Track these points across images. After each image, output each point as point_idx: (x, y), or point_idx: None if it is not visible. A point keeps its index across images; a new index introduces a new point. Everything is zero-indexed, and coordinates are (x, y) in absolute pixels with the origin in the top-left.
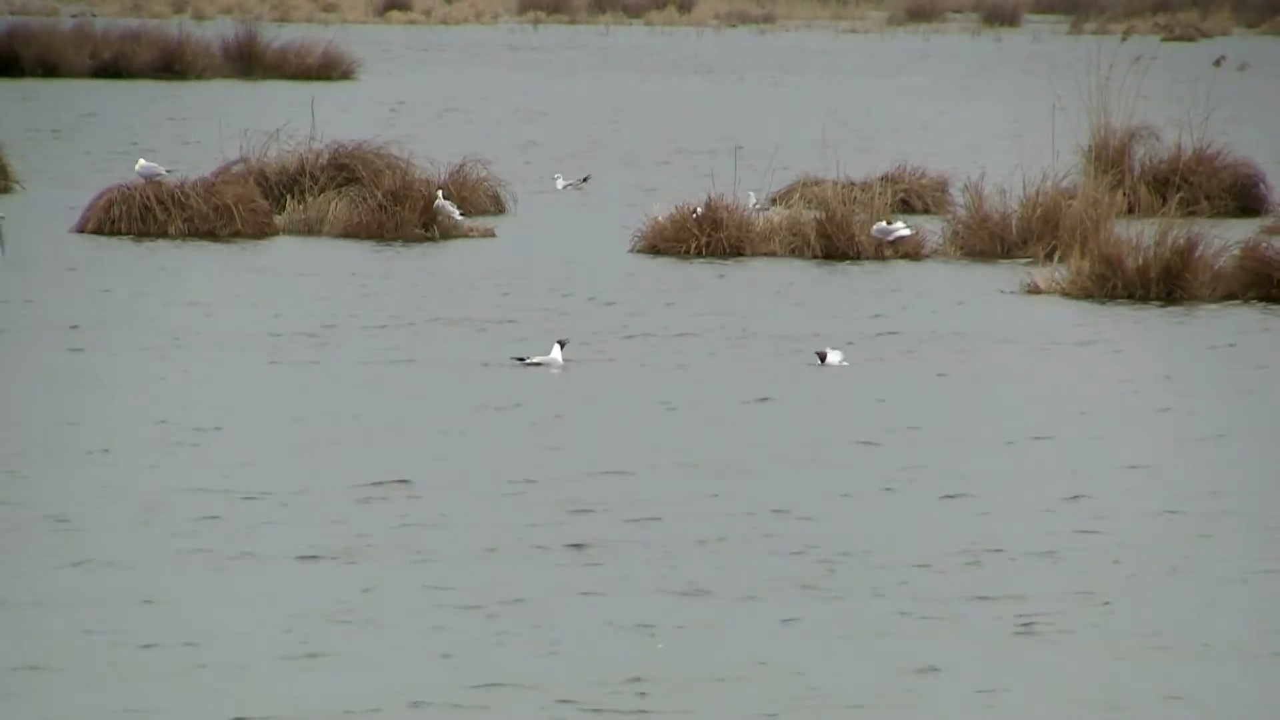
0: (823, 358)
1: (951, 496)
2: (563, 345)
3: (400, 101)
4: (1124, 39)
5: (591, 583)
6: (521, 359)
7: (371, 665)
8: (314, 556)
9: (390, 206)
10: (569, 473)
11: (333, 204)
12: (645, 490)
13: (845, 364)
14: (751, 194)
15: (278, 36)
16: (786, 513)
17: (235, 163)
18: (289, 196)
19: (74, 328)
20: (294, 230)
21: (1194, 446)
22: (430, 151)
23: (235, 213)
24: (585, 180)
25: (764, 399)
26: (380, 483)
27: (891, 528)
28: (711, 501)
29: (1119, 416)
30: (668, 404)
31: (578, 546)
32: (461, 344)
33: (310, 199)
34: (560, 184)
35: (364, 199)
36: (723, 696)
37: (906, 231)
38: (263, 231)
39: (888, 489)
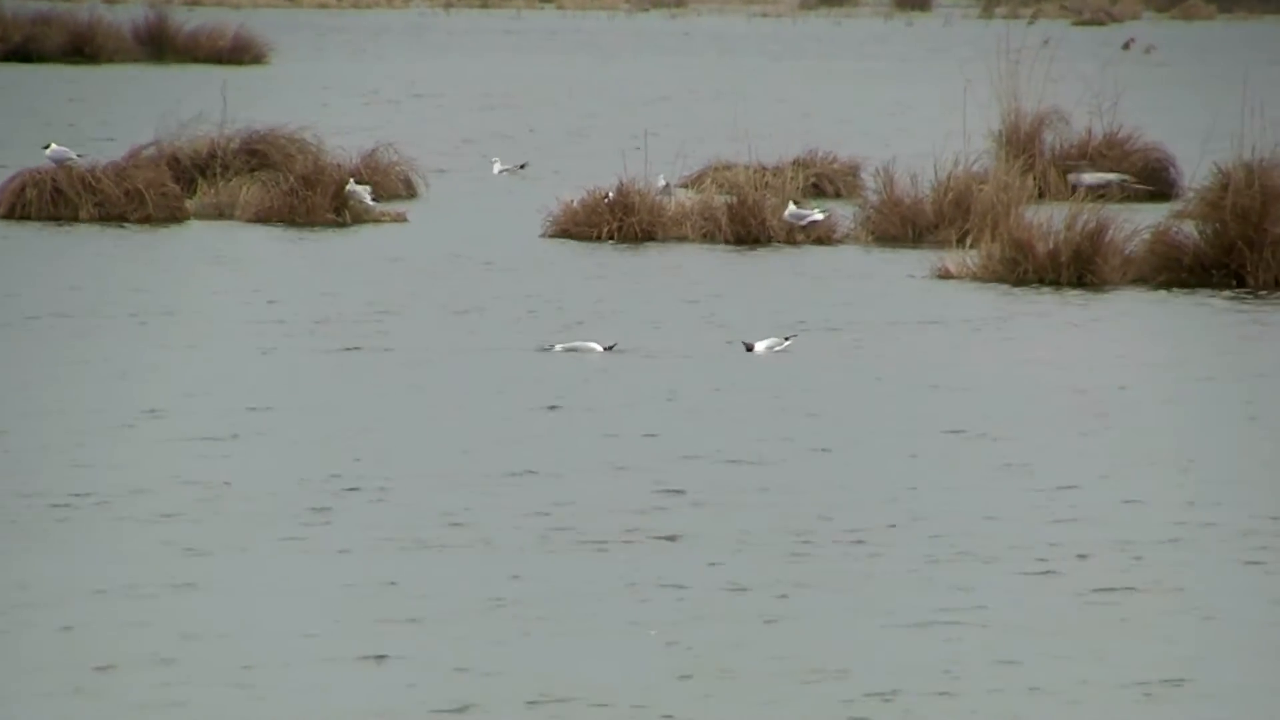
0: (749, 348)
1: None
2: (608, 349)
3: (374, 90)
4: (1030, 23)
5: (615, 578)
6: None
7: (409, 664)
8: (347, 550)
9: (302, 191)
10: (569, 469)
11: (244, 188)
12: (654, 483)
13: (779, 349)
14: (661, 176)
15: (189, 20)
16: (785, 506)
17: (147, 146)
18: (201, 181)
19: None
20: (205, 215)
21: (1139, 433)
22: (372, 137)
23: (146, 197)
24: (523, 166)
25: (717, 389)
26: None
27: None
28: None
29: (1048, 402)
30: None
31: (602, 543)
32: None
33: (222, 183)
34: (497, 169)
35: (276, 183)
36: (776, 690)
37: (818, 216)
38: (174, 216)
39: (846, 482)
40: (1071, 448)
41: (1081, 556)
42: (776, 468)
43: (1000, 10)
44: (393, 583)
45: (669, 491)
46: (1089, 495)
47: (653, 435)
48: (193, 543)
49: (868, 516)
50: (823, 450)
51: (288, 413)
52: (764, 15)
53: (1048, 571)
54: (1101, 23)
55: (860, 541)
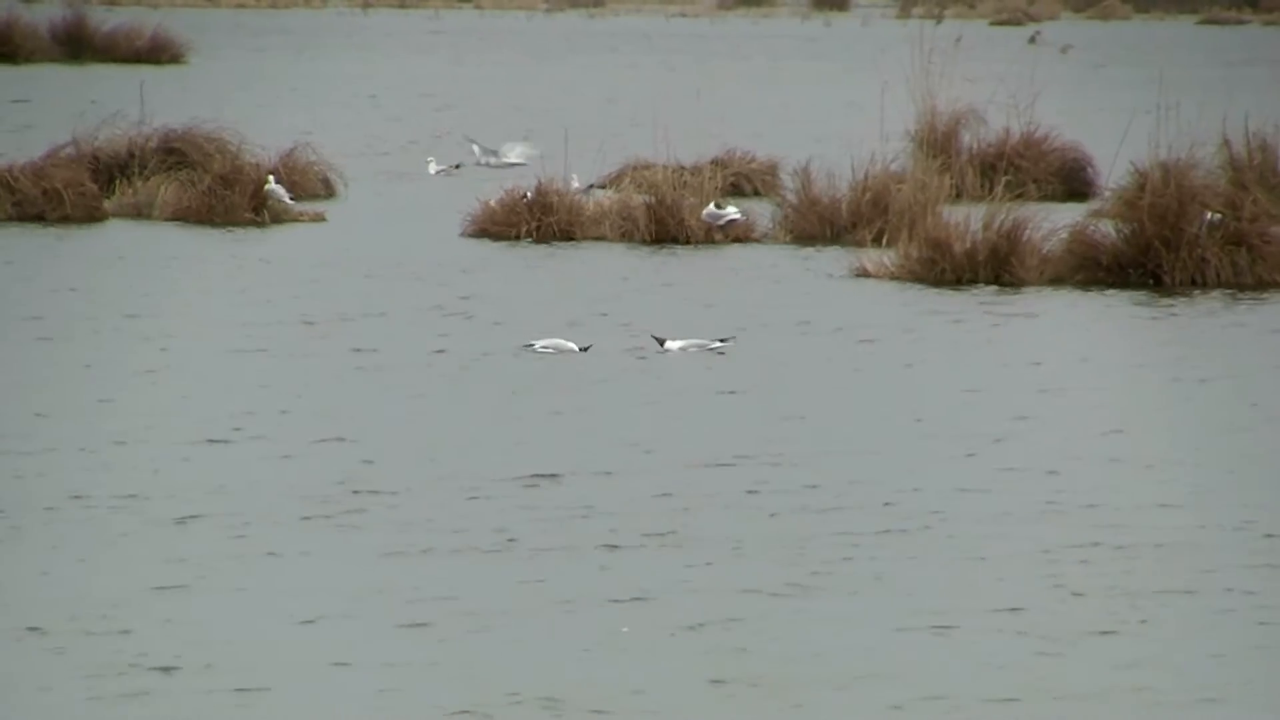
0: (661, 342)
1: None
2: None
3: (293, 89)
4: (938, 23)
5: (619, 581)
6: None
7: (412, 671)
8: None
9: (220, 190)
10: (552, 471)
11: (162, 188)
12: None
13: (710, 348)
14: (574, 176)
15: (107, 19)
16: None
17: (65, 146)
18: (119, 180)
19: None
20: (123, 214)
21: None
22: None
23: (64, 196)
24: (458, 167)
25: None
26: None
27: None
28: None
29: (978, 399)
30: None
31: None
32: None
33: (140, 183)
34: (433, 169)
35: (194, 183)
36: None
37: (737, 215)
38: (92, 215)
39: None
40: (1010, 446)
41: (1082, 559)
42: (735, 471)
43: (917, 10)
44: (398, 588)
45: (659, 495)
46: (1026, 498)
47: (618, 436)
48: (186, 548)
49: (833, 520)
50: (767, 451)
51: (257, 419)
52: (682, 15)
53: (1050, 572)
54: (1019, 23)
55: (851, 544)
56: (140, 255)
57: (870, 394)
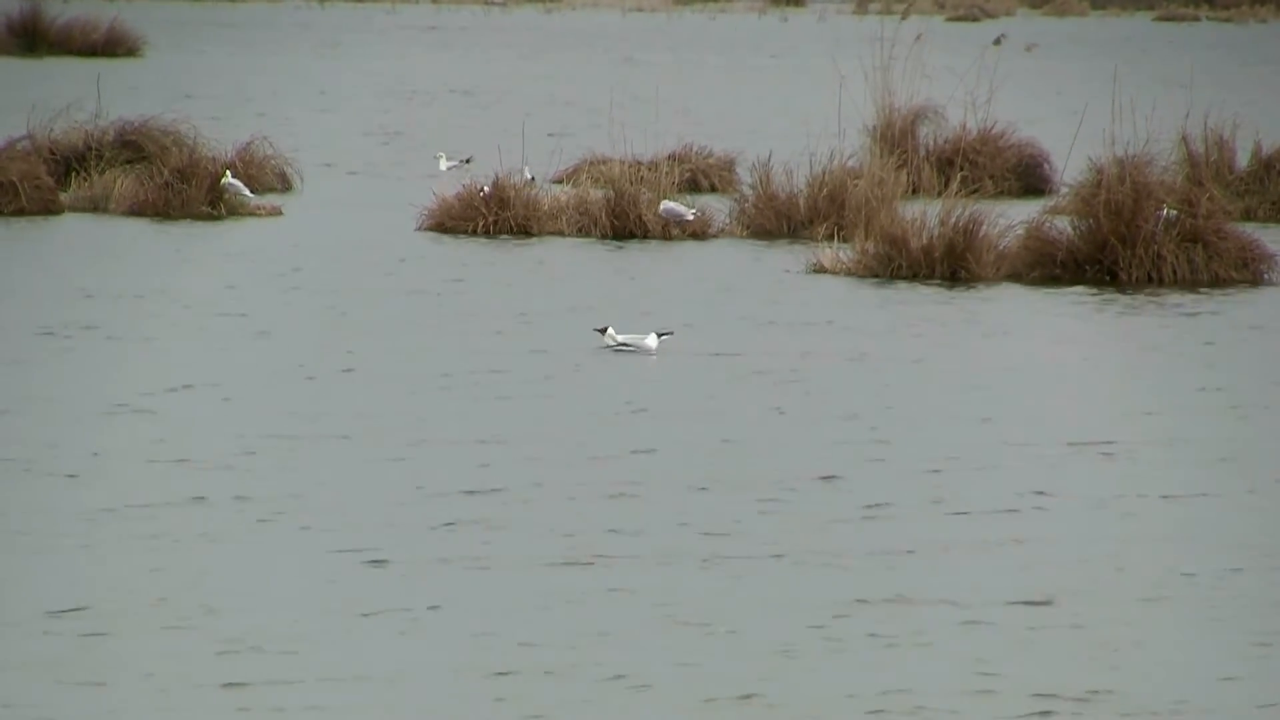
0: (603, 332)
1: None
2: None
3: (248, 83)
4: (903, 19)
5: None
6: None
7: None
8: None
9: (176, 184)
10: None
11: (118, 181)
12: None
13: (661, 339)
14: (526, 169)
15: (62, 13)
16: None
17: (21, 139)
18: (75, 173)
19: None
20: (79, 207)
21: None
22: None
23: (20, 189)
24: (468, 161)
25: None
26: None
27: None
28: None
29: (933, 395)
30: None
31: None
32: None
33: (96, 176)
34: (444, 165)
35: (150, 176)
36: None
37: (690, 216)
38: (48, 209)
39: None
40: (967, 444)
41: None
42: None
43: (874, 6)
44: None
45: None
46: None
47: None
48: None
49: (807, 523)
50: (724, 447)
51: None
52: (639, 10)
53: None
54: (976, 19)
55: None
56: (122, 249)
57: (816, 388)
